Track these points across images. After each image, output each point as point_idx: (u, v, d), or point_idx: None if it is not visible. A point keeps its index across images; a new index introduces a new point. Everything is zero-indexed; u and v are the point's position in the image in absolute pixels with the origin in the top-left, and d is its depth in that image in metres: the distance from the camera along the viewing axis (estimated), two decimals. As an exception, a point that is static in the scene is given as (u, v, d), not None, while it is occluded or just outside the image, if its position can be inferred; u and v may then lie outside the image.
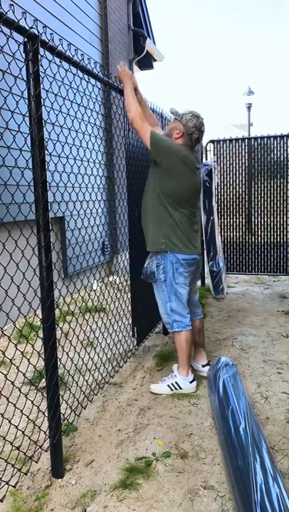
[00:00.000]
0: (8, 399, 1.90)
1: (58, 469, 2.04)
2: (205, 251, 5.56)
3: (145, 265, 2.90)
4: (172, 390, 2.81)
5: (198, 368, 3.09)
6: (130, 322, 3.37)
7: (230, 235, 6.08)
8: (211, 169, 5.47)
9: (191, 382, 2.84)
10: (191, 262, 2.81)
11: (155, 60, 9.78)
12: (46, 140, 1.94)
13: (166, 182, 2.71)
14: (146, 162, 3.43)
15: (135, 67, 8.87)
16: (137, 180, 3.25)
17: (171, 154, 2.68)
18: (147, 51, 8.64)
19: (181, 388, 2.81)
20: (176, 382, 2.82)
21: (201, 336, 3.16)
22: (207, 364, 3.09)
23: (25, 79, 1.85)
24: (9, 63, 1.85)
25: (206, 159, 5.81)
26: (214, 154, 5.95)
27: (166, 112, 3.92)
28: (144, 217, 2.88)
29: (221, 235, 6.05)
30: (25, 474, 2.02)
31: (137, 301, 3.34)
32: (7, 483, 1.85)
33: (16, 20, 1.70)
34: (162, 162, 2.68)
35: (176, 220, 2.73)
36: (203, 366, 3.09)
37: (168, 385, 2.82)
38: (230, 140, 5.91)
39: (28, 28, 1.77)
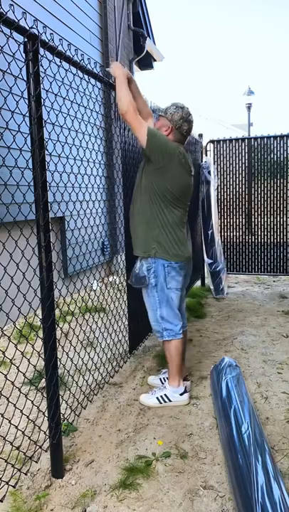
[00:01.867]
0: (8, 399, 1.90)
1: (58, 469, 2.04)
2: (205, 251, 5.57)
3: (134, 269, 2.69)
4: (161, 402, 2.67)
5: None
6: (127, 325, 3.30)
7: (230, 235, 6.09)
8: (210, 170, 5.49)
9: (181, 394, 2.69)
10: (184, 264, 2.65)
11: (155, 60, 9.78)
12: (46, 140, 1.94)
13: (161, 181, 2.53)
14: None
15: (135, 67, 8.87)
16: (134, 180, 3.25)
17: (168, 151, 2.51)
18: (147, 51, 8.64)
19: (170, 401, 2.67)
20: (165, 395, 2.68)
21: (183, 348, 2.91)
22: (184, 379, 2.84)
23: (25, 79, 1.86)
24: (9, 63, 1.85)
25: (203, 160, 5.81)
26: (214, 154, 5.95)
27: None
28: (133, 219, 2.69)
29: (221, 235, 6.05)
30: (25, 474, 2.02)
31: (132, 308, 3.22)
32: (7, 483, 1.85)
33: (16, 20, 1.70)
34: (158, 159, 2.49)
35: (168, 220, 2.57)
36: (182, 380, 2.83)
37: (157, 397, 2.68)
38: (230, 140, 5.91)
39: (28, 28, 1.77)
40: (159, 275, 2.60)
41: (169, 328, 2.65)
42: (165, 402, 2.66)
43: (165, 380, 2.84)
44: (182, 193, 2.61)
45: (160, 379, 2.93)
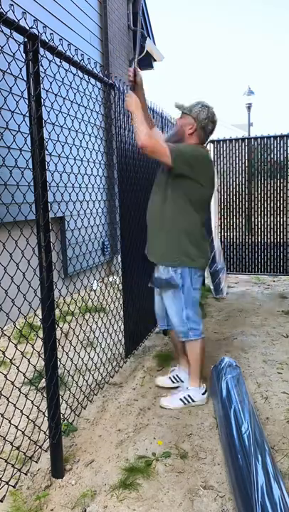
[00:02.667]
0: (8, 399, 1.90)
1: (57, 469, 2.04)
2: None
3: (157, 274, 2.67)
4: (185, 403, 2.65)
5: (184, 376, 2.86)
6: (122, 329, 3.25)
7: (230, 235, 6.09)
8: None
9: (203, 394, 2.70)
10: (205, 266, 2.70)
11: (155, 60, 9.78)
12: (46, 140, 1.94)
13: (193, 190, 2.52)
14: (139, 161, 3.38)
15: (135, 67, 8.86)
16: (130, 180, 3.21)
17: (196, 160, 2.50)
18: (147, 51, 8.64)
19: (194, 401, 2.66)
20: (188, 395, 2.66)
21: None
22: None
23: (25, 79, 1.85)
24: (9, 63, 1.85)
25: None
26: (214, 154, 5.96)
27: (166, 112, 3.92)
28: (154, 227, 2.66)
29: (221, 235, 6.05)
30: (25, 474, 2.02)
31: (127, 313, 3.19)
32: (7, 483, 1.85)
33: (16, 20, 1.70)
34: (189, 172, 2.47)
35: (196, 225, 2.57)
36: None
37: (180, 399, 2.66)
38: (230, 140, 5.91)
39: (28, 28, 1.77)
40: (185, 276, 2.58)
41: (195, 328, 2.64)
42: (189, 402, 2.65)
43: (176, 379, 2.89)
44: (209, 196, 2.67)
45: (170, 378, 2.94)
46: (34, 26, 1.81)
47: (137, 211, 3.32)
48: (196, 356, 2.68)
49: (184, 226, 2.54)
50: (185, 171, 2.46)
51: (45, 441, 2.10)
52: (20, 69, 1.90)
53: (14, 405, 1.96)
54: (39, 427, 2.13)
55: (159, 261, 2.66)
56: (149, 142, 2.39)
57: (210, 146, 5.94)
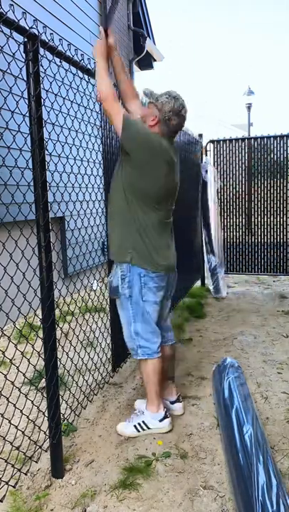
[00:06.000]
0: (8, 399, 1.90)
1: (57, 469, 2.04)
2: (205, 251, 5.57)
3: (109, 278, 2.40)
4: (139, 431, 2.35)
5: (167, 405, 2.53)
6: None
7: (230, 235, 6.09)
8: (207, 169, 5.49)
9: (161, 421, 2.36)
10: (163, 274, 2.32)
11: (155, 60, 9.78)
12: (46, 140, 1.94)
13: (137, 178, 2.21)
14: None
15: (135, 67, 8.87)
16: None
17: (146, 144, 2.18)
18: (147, 51, 8.64)
19: (149, 428, 2.35)
20: (143, 422, 2.36)
21: (170, 365, 2.61)
22: (177, 400, 2.58)
23: (25, 79, 1.85)
24: (9, 63, 1.85)
25: (203, 160, 5.82)
26: (214, 154, 5.95)
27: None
28: (109, 221, 2.38)
29: (221, 235, 6.06)
30: (25, 474, 2.02)
31: (116, 323, 2.84)
32: (7, 483, 1.85)
33: (16, 20, 1.70)
34: (134, 153, 2.17)
35: (147, 224, 2.24)
36: (172, 403, 2.57)
37: (134, 425, 2.36)
38: (230, 140, 5.91)
39: (28, 28, 1.77)
40: (134, 285, 2.27)
41: (145, 346, 2.32)
42: (143, 430, 2.35)
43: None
44: (165, 195, 2.29)
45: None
46: (34, 26, 1.81)
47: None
48: (146, 377, 2.38)
49: (129, 220, 2.25)
50: (132, 149, 2.16)
51: (45, 441, 2.10)
52: (20, 69, 1.90)
53: (14, 405, 1.96)
54: (39, 427, 2.13)
55: (113, 258, 2.37)
56: (109, 99, 2.15)
57: (210, 146, 5.94)
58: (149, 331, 2.33)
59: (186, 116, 2.30)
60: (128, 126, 2.15)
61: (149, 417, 2.37)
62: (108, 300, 2.80)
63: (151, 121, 2.25)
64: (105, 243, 6.31)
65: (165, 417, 2.38)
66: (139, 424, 2.36)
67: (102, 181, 2.70)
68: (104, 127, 2.78)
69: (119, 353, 3.07)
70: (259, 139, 5.82)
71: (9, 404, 2.00)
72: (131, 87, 2.49)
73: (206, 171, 5.49)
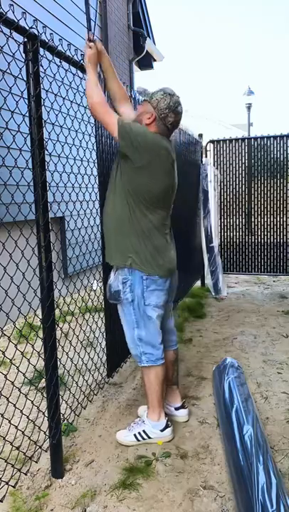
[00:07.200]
0: (8, 399, 1.90)
1: (57, 469, 2.04)
2: (204, 251, 5.57)
3: (109, 282, 2.32)
4: (139, 440, 2.28)
5: (171, 411, 2.50)
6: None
7: (230, 235, 6.09)
8: (206, 169, 5.49)
9: (163, 430, 2.30)
10: (166, 278, 2.27)
11: (155, 60, 9.78)
12: (46, 140, 1.94)
13: (138, 180, 2.15)
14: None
15: (135, 67, 8.87)
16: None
17: (146, 146, 2.12)
18: (147, 51, 8.64)
19: (150, 438, 2.28)
20: (143, 431, 2.29)
21: (174, 370, 2.53)
22: (182, 407, 2.51)
23: (25, 79, 1.85)
24: (9, 63, 1.85)
25: (203, 160, 5.82)
26: (214, 154, 5.95)
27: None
28: (107, 223, 2.30)
29: (221, 235, 6.06)
30: (25, 474, 2.02)
31: (111, 324, 2.74)
32: (7, 483, 1.85)
33: (16, 20, 1.70)
34: (135, 157, 2.11)
35: (147, 226, 2.19)
36: (177, 409, 2.50)
37: (134, 435, 2.29)
38: (230, 140, 5.91)
39: (27, 28, 1.77)
40: (135, 289, 2.20)
41: (149, 352, 2.26)
42: (144, 439, 2.29)
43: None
44: (165, 195, 2.24)
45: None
46: (34, 26, 1.81)
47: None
48: (149, 385, 2.31)
49: (130, 223, 2.18)
50: (131, 153, 2.11)
51: (45, 441, 2.10)
52: (20, 69, 1.90)
53: (14, 405, 1.96)
54: (39, 427, 2.13)
55: (112, 262, 2.29)
56: (101, 104, 2.11)
57: (210, 146, 5.94)
58: (152, 336, 2.26)
59: (182, 112, 2.26)
60: (124, 132, 2.10)
61: (150, 426, 2.30)
62: (103, 303, 2.72)
63: (148, 120, 2.19)
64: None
65: (166, 426, 2.32)
66: (139, 433, 2.30)
67: (97, 181, 2.61)
68: (99, 126, 2.68)
69: (118, 352, 3.03)
70: (259, 139, 5.82)
71: (9, 404, 2.01)
72: (122, 89, 2.43)
73: (206, 175, 5.47)
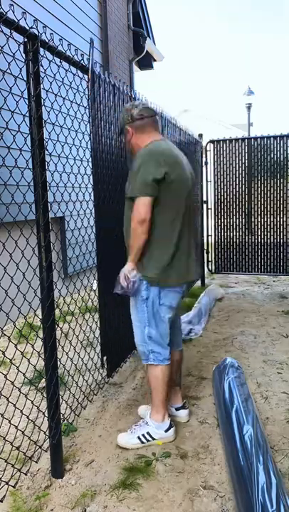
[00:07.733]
0: (8, 399, 1.90)
1: (57, 469, 2.04)
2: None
3: (123, 271, 2.22)
4: (143, 442, 2.26)
5: (172, 411, 2.49)
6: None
7: (230, 235, 6.09)
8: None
9: (167, 431, 2.29)
10: (183, 283, 2.27)
11: (155, 60, 9.78)
12: (46, 140, 1.94)
13: (167, 195, 2.14)
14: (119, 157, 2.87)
15: (135, 67, 8.87)
16: (106, 179, 2.70)
17: (159, 175, 2.09)
18: (147, 51, 8.64)
19: (154, 439, 2.27)
20: (147, 433, 2.27)
21: (178, 371, 2.53)
22: (182, 407, 2.51)
23: (25, 79, 1.85)
24: (9, 63, 1.85)
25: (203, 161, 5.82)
26: (214, 154, 5.95)
27: (166, 112, 3.92)
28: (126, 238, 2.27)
29: (221, 235, 6.07)
30: (25, 474, 2.02)
31: (106, 325, 2.68)
32: (7, 483, 1.85)
33: (16, 20, 1.70)
34: (163, 186, 2.12)
35: (178, 239, 2.18)
36: (178, 409, 2.50)
37: (138, 437, 2.26)
38: (230, 140, 5.91)
39: (28, 28, 1.77)
40: (152, 288, 2.19)
41: (157, 351, 2.26)
42: (148, 441, 2.26)
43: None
44: (185, 192, 2.24)
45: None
46: (34, 26, 1.81)
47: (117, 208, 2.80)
48: (154, 383, 2.29)
49: (154, 236, 2.16)
50: (161, 183, 2.11)
51: (45, 441, 2.10)
52: (20, 69, 1.90)
53: (14, 405, 1.96)
54: (39, 427, 2.14)
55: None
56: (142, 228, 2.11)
57: (210, 146, 5.94)
58: (162, 336, 2.26)
59: (146, 104, 2.37)
60: (143, 186, 2.09)
61: (154, 427, 2.29)
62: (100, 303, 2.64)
63: (129, 136, 2.29)
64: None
65: (170, 426, 2.31)
66: (143, 435, 2.27)
67: (91, 181, 2.54)
68: (93, 124, 2.50)
69: (117, 352, 3.03)
70: (259, 139, 5.82)
71: (9, 404, 2.01)
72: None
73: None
